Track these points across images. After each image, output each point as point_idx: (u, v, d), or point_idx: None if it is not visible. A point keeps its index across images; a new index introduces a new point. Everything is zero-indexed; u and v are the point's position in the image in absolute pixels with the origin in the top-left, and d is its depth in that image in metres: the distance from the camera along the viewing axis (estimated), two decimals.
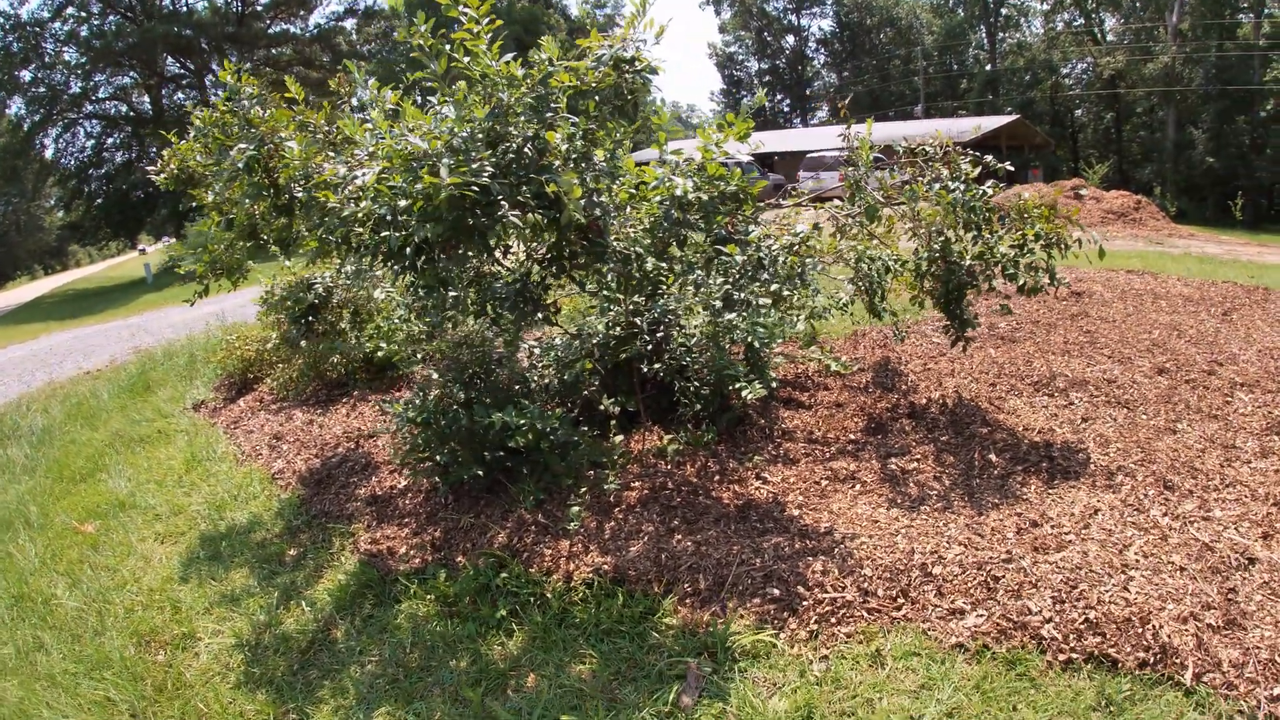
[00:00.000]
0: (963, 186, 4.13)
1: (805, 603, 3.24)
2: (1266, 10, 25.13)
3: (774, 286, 4.08)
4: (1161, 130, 27.60)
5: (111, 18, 35.66)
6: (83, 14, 34.99)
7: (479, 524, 4.12)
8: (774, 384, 4.62)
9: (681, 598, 3.37)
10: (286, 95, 4.39)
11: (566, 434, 4.01)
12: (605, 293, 4.48)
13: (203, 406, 7.43)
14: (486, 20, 3.31)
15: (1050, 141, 30.54)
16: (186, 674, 3.51)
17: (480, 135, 2.86)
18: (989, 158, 4.68)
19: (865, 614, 3.18)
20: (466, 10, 3.34)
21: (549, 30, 34.14)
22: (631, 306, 4.40)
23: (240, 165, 3.86)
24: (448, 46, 3.42)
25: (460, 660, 3.26)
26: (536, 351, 4.47)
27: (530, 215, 3.03)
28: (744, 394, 4.20)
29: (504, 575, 3.61)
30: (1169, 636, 2.83)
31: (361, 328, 5.94)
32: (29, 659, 3.78)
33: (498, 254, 3.73)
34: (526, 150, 2.93)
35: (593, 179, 3.18)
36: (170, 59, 37.40)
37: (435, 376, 4.06)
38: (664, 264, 3.54)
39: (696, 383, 4.81)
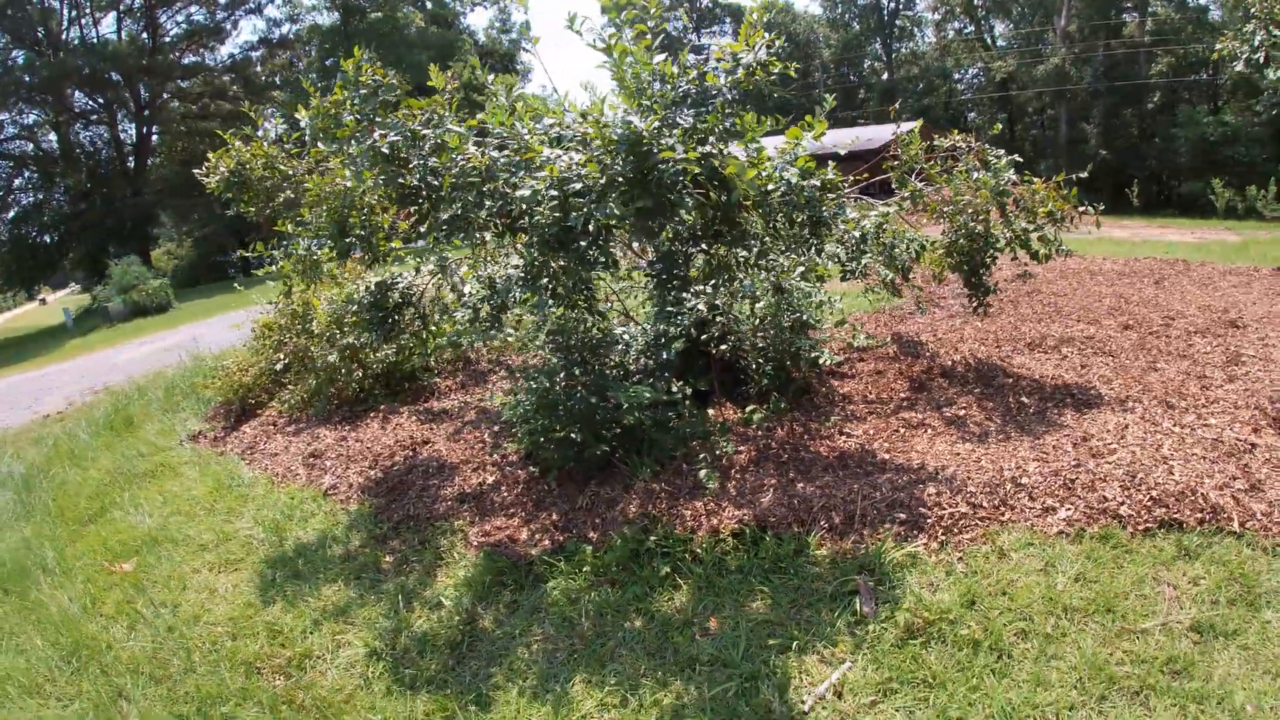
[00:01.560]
0: (1009, 175, 5.25)
1: (929, 520, 4.11)
2: (1151, 8, 29.45)
3: (865, 260, 4.98)
4: (1054, 128, 31.56)
5: (17, 53, 33.87)
6: None
7: (599, 502, 4.70)
8: (839, 357, 5.51)
9: (821, 534, 4.14)
10: (428, 84, 4.84)
11: (671, 411, 4.74)
12: (674, 283, 5.26)
13: (201, 437, 7.58)
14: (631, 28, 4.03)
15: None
16: (322, 691, 3.66)
17: (664, 124, 3.56)
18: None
19: (979, 521, 4.09)
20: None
21: (461, 54, 35.13)
22: (708, 293, 5.20)
23: (384, 150, 4.24)
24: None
25: (634, 621, 3.78)
26: (627, 337, 5.15)
27: (709, 194, 3.73)
28: (820, 361, 5.07)
29: (652, 539, 4.21)
30: (1215, 500, 3.90)
31: (428, 330, 6.33)
32: (114, 711, 3.74)
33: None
34: (697, 137, 3.67)
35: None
36: (79, 93, 35.96)
37: (554, 360, 4.66)
38: (779, 242, 4.35)
39: (760, 360, 5.67)
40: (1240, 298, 8.08)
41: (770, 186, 4.05)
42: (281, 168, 5.75)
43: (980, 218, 5.29)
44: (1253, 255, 11.65)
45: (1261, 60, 11.12)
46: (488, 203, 4.06)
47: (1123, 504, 4.01)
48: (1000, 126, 7.47)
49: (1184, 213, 22.26)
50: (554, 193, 3.63)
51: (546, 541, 4.53)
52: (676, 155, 3.44)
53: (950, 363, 6.38)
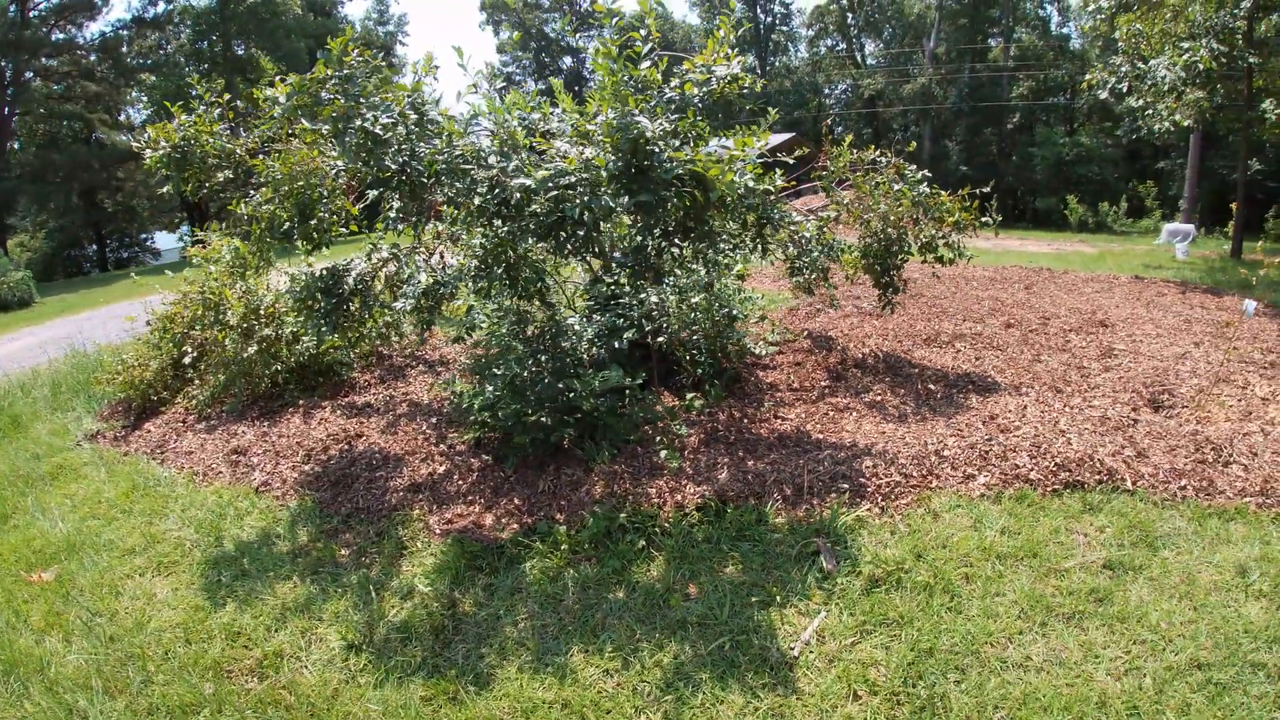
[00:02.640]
0: (923, 188, 6.01)
1: (869, 489, 4.66)
2: (1015, 35, 33.13)
3: (815, 256, 5.50)
4: (919, 143, 34.82)
5: None
6: None
7: (562, 485, 4.91)
8: (774, 346, 6.03)
9: (776, 505, 4.59)
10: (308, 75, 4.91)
11: (628, 397, 5.06)
12: (611, 278, 5.60)
13: (100, 437, 7.17)
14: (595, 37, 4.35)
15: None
16: (306, 690, 3.62)
17: (668, 128, 3.89)
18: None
19: (911, 489, 4.68)
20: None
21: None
22: (645, 290, 5.57)
23: (378, 131, 4.25)
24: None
25: (616, 592, 4.06)
26: (577, 328, 5.41)
27: (694, 192, 4.07)
28: (755, 351, 5.57)
29: (623, 516, 4.50)
30: (1110, 464, 4.70)
31: (373, 320, 6.21)
32: None
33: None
34: (676, 141, 4.02)
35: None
36: None
37: (519, 348, 4.85)
38: (729, 240, 4.80)
39: (695, 351, 6.10)
40: (1104, 301, 9.47)
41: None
42: (227, 145, 5.55)
43: (897, 224, 6.01)
44: (1109, 265, 13.51)
45: (1125, 90, 13.01)
46: (480, 189, 4.22)
47: (1032, 470, 4.74)
48: (915, 145, 8.35)
49: (1038, 226, 25.32)
50: (551, 184, 3.86)
51: (515, 525, 4.71)
52: (684, 155, 3.80)
53: (860, 355, 7.10)
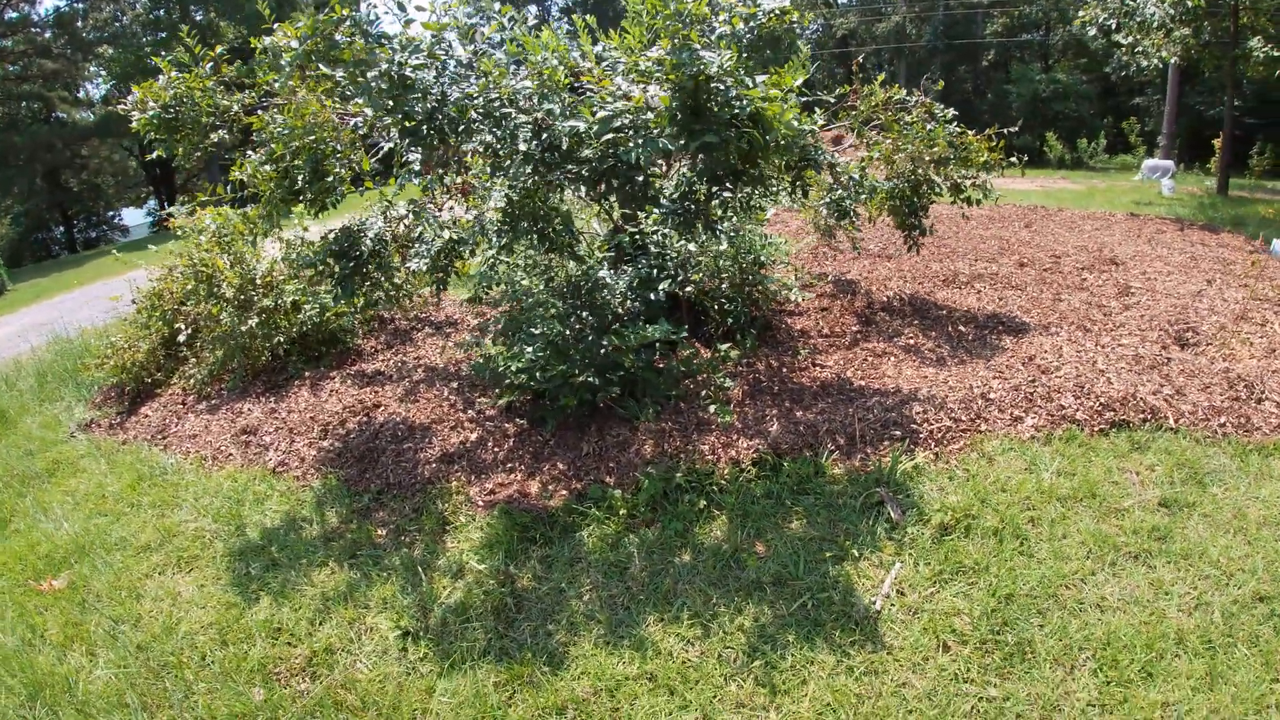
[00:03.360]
0: (953, 128, 5.91)
1: (922, 435, 4.66)
2: None
3: (862, 197, 5.38)
4: (892, 83, 34.29)
5: None
6: None
7: (608, 447, 4.80)
8: (806, 291, 5.98)
9: (831, 456, 4.56)
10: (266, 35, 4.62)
11: (669, 351, 4.97)
12: (633, 227, 5.46)
13: (95, 426, 6.84)
14: None
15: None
16: (368, 687, 3.44)
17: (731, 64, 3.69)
18: None
19: (962, 433, 4.69)
20: None
21: (299, 4, 32.66)
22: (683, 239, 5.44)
23: (406, 74, 3.96)
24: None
25: (683, 555, 3.97)
26: (610, 280, 5.27)
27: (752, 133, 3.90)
28: (794, 297, 5.50)
29: (679, 475, 4.43)
30: (1152, 403, 4.75)
31: (391, 282, 5.86)
32: None
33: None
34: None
35: None
36: None
37: (557, 305, 4.71)
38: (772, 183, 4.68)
39: (722, 300, 6.01)
40: (1107, 239, 9.52)
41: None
42: (223, 102, 5.19)
43: (928, 165, 5.92)
44: (1099, 202, 13.56)
45: (1113, 26, 12.90)
46: (524, 134, 4.00)
47: (1078, 410, 4.78)
48: (943, 84, 8.04)
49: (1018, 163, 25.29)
50: (606, 127, 3.66)
51: (563, 491, 4.59)
52: (759, 92, 3.62)
53: (884, 298, 7.07)
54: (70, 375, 8.03)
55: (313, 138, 4.70)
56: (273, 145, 4.81)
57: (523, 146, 3.99)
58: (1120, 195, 14.73)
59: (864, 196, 5.50)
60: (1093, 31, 13.61)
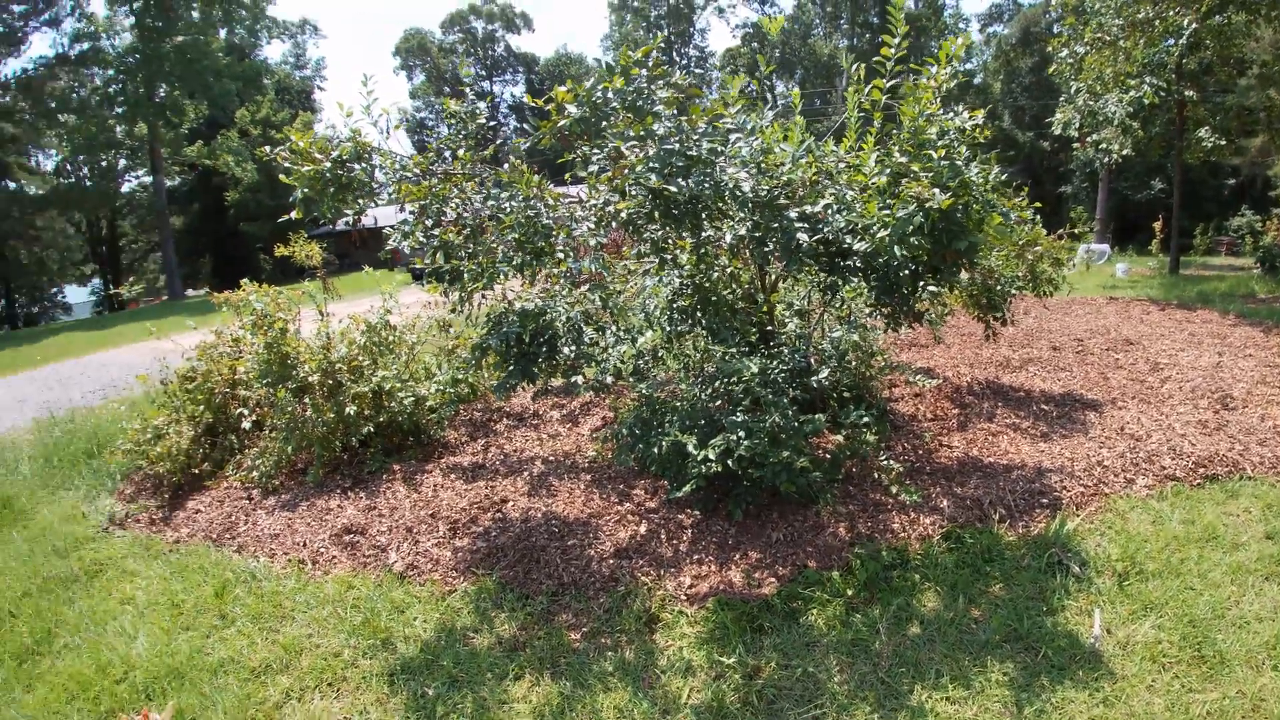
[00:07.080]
0: (1039, 226, 7.33)
1: (1064, 501, 5.71)
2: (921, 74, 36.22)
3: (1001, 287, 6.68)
4: None
5: None
6: None
7: (799, 532, 5.51)
8: (931, 380, 7.16)
9: (999, 526, 5.52)
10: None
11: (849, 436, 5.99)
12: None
13: (132, 520, 6.47)
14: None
15: None
16: None
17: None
18: None
19: (1092, 497, 5.76)
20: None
21: (263, 89, 34.14)
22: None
23: (691, 151, 4.38)
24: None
25: (912, 627, 4.46)
26: (755, 369, 5.92)
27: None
28: (920, 384, 6.66)
29: (884, 553, 5.15)
30: (1232, 458, 5.96)
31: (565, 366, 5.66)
32: None
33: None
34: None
35: None
36: None
37: (767, 394, 5.49)
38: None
39: (843, 390, 7.08)
40: (1108, 322, 11.07)
41: None
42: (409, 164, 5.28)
43: (1030, 262, 7.28)
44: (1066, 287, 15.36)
45: (1078, 126, 15.08)
46: (800, 227, 4.58)
47: (1176, 469, 5.93)
48: (1027, 188, 9.35)
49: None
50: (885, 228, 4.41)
51: (772, 579, 5.01)
52: (1008, 203, 4.75)
53: (968, 382, 8.26)
54: (81, 459, 7.52)
55: (544, 219, 4.89)
56: (502, 218, 4.90)
57: (801, 239, 4.51)
58: (1081, 280, 16.59)
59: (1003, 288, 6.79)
60: (1072, 131, 15.81)
